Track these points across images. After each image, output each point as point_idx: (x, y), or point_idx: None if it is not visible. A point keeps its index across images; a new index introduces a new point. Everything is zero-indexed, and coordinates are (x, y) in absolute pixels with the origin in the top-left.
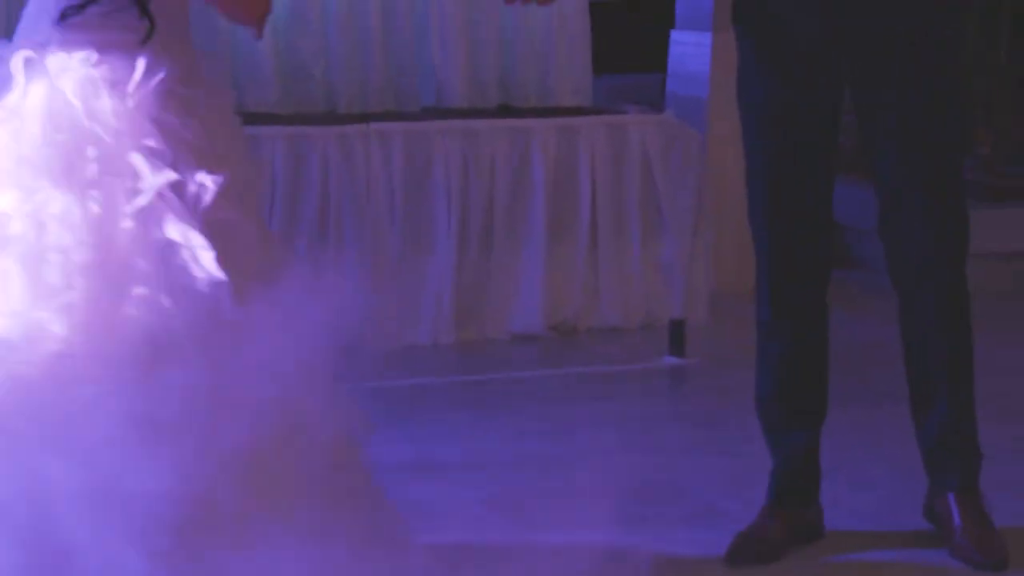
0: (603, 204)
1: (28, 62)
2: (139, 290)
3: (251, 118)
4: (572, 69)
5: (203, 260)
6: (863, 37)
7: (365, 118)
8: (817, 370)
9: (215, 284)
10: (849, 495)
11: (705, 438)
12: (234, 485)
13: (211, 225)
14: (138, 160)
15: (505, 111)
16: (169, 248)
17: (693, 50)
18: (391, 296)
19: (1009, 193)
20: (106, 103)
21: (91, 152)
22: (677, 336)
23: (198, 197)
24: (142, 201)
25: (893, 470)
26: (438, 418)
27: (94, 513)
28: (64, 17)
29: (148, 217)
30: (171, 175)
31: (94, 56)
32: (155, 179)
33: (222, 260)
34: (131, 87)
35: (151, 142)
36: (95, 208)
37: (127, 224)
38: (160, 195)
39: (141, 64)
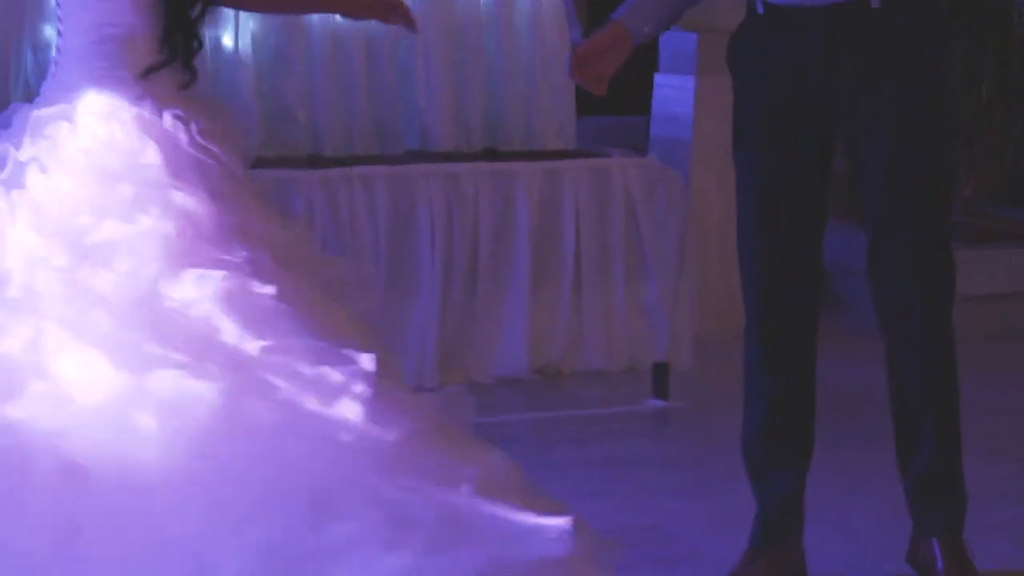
0: (587, 247)
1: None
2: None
3: None
4: (556, 112)
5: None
6: (851, 82)
7: (349, 161)
8: (804, 413)
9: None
10: (833, 538)
11: (689, 481)
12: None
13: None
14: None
15: (490, 154)
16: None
17: (677, 93)
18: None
19: (992, 235)
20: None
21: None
22: (661, 379)
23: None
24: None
25: (878, 513)
26: None
27: None
28: (147, 73)
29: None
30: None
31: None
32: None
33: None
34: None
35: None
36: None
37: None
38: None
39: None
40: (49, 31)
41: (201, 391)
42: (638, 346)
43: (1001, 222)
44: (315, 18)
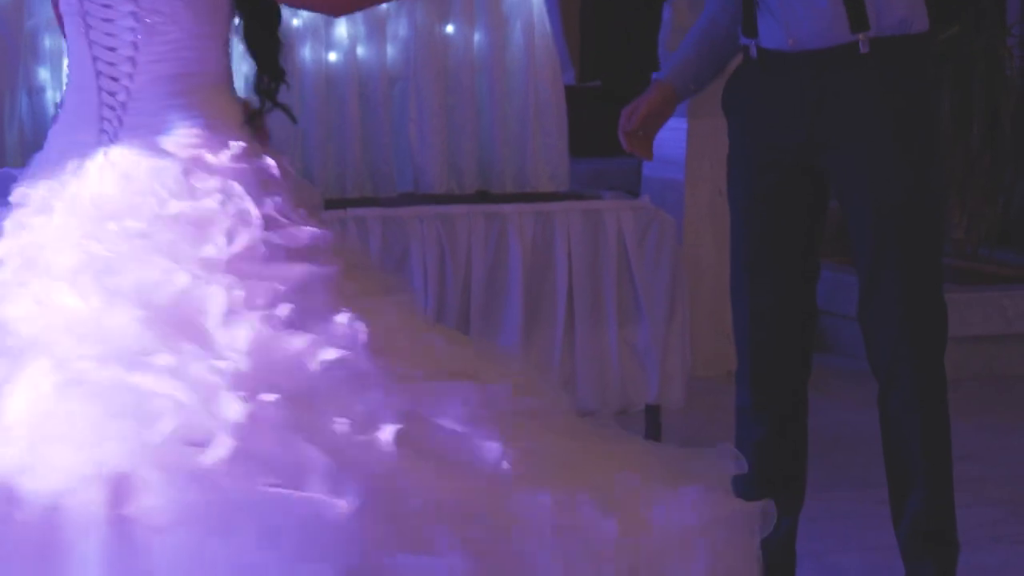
0: (579, 289)
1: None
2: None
3: None
4: (549, 155)
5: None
6: (840, 127)
7: (343, 203)
8: (795, 458)
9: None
10: None
11: None
12: None
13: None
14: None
15: (482, 197)
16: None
17: (669, 135)
18: None
19: (983, 277)
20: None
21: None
22: (653, 421)
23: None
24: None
25: (870, 558)
26: None
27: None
28: (252, 121)
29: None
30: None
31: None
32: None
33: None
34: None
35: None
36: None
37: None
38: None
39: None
40: (44, 74)
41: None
42: (631, 388)
43: (993, 264)
44: (308, 60)
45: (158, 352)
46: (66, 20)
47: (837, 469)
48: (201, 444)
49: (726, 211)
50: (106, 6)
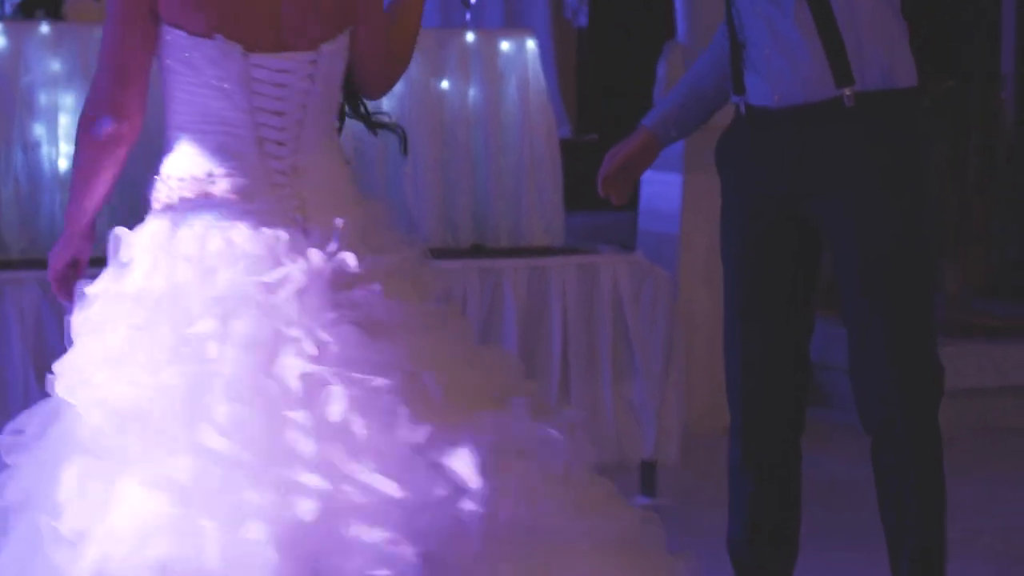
0: (574, 343)
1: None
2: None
3: None
4: (543, 209)
5: None
6: (828, 181)
7: None
8: (788, 514)
9: None
10: None
11: None
12: None
13: None
14: None
15: (477, 251)
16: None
17: (664, 189)
18: None
19: (977, 329)
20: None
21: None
22: (649, 477)
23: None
24: None
25: None
26: None
27: None
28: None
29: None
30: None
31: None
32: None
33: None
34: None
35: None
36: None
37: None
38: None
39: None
40: (40, 129)
41: None
42: (626, 443)
43: (986, 316)
44: None
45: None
46: None
47: (832, 521)
48: None
49: (721, 265)
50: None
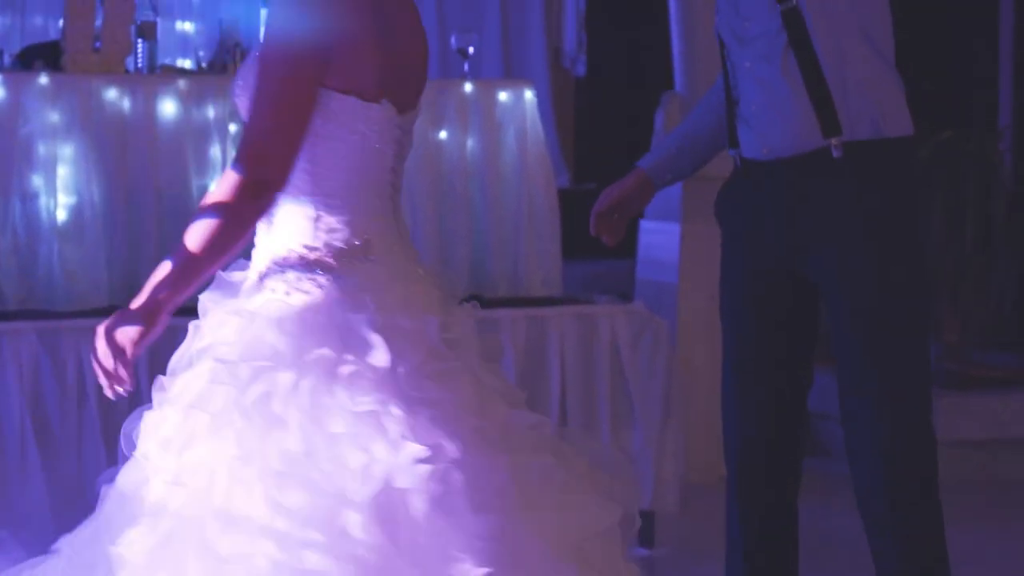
0: (572, 393)
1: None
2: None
3: None
4: (541, 259)
5: None
6: (818, 234)
7: None
8: (785, 563)
9: None
10: None
11: None
12: None
13: None
14: None
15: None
16: None
17: (662, 238)
18: None
19: (976, 381)
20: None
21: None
22: (647, 527)
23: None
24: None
25: None
26: None
27: None
28: None
29: None
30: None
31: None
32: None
33: None
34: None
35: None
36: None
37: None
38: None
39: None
40: (38, 180)
41: None
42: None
43: (985, 368)
44: None
45: None
46: None
47: (828, 574)
48: None
49: (719, 315)
50: None
